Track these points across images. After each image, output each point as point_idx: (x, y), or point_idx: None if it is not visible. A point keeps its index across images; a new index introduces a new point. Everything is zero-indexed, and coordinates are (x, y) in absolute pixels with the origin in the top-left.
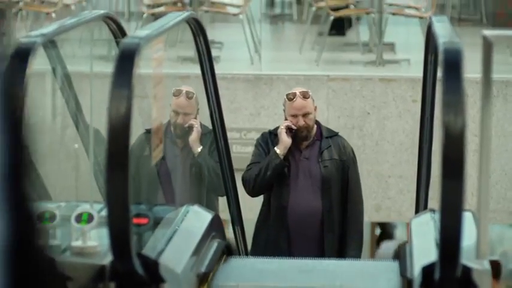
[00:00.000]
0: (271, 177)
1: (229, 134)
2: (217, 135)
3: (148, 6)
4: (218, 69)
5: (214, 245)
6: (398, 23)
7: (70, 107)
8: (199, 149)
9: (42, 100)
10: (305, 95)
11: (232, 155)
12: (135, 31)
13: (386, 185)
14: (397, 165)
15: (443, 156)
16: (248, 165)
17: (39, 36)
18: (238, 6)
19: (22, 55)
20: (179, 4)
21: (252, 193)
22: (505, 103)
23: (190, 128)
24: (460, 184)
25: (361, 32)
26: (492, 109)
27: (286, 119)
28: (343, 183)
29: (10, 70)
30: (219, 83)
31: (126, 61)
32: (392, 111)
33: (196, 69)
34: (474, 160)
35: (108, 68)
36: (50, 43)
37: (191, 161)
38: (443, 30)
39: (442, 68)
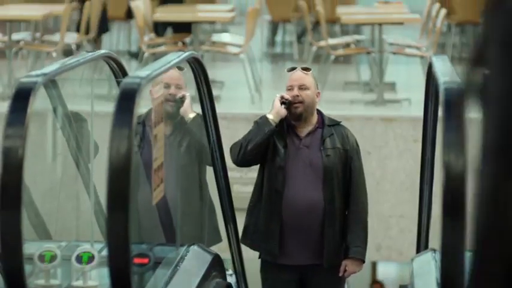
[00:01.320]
0: (259, 144)
1: (230, 173)
2: (218, 174)
3: (149, 45)
4: (219, 109)
5: (215, 284)
6: (399, 62)
7: (71, 146)
8: (191, 115)
9: (43, 139)
10: (306, 70)
11: (232, 194)
12: (135, 71)
13: (387, 225)
14: (398, 204)
15: (443, 196)
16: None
17: (40, 76)
18: (239, 46)
19: (23, 95)
20: (179, 43)
21: (238, 160)
22: None
23: (182, 99)
24: (461, 224)
25: (362, 72)
26: None
27: None
28: (345, 175)
29: (11, 110)
30: (220, 122)
31: (126, 101)
32: (393, 150)
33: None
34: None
35: (109, 107)
36: (51, 83)
37: (181, 143)
38: (443, 69)
39: (443, 108)
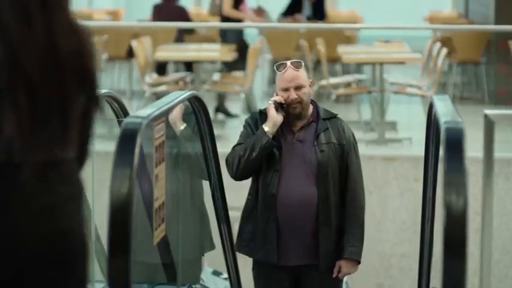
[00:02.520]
0: (257, 159)
1: (230, 213)
2: (219, 214)
3: (150, 85)
4: (220, 148)
5: None
6: (400, 102)
7: None
8: (182, 127)
9: None
10: (297, 66)
11: (234, 233)
12: (137, 110)
13: (389, 264)
14: (399, 244)
15: (444, 235)
16: (233, 147)
17: None
18: (240, 85)
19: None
20: (181, 83)
21: (236, 176)
22: (507, 182)
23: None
24: (461, 263)
25: (363, 111)
26: (494, 188)
27: (277, 95)
28: (341, 171)
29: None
30: (221, 161)
31: (128, 140)
32: (394, 190)
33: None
34: (476, 239)
35: (110, 146)
36: None
37: (171, 155)
38: (444, 109)
39: (444, 147)
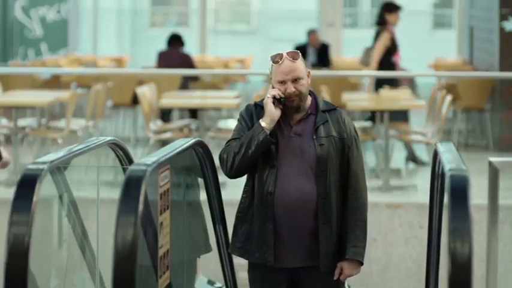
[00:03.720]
0: (253, 156)
1: (235, 260)
2: (223, 262)
3: (155, 132)
4: (225, 195)
5: None
6: (404, 149)
7: (76, 233)
8: None
9: (48, 227)
10: (294, 57)
11: (238, 281)
12: (141, 157)
13: None
14: None
15: (449, 283)
16: (227, 142)
17: (46, 163)
18: None
19: (29, 182)
20: (185, 130)
21: (230, 173)
22: (511, 229)
23: None
24: None
25: (368, 158)
26: (499, 235)
27: (273, 88)
28: (342, 166)
29: (17, 197)
30: (226, 208)
31: (132, 188)
32: (399, 237)
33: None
34: (481, 286)
35: (115, 193)
36: (57, 169)
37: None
38: (449, 156)
39: (449, 195)
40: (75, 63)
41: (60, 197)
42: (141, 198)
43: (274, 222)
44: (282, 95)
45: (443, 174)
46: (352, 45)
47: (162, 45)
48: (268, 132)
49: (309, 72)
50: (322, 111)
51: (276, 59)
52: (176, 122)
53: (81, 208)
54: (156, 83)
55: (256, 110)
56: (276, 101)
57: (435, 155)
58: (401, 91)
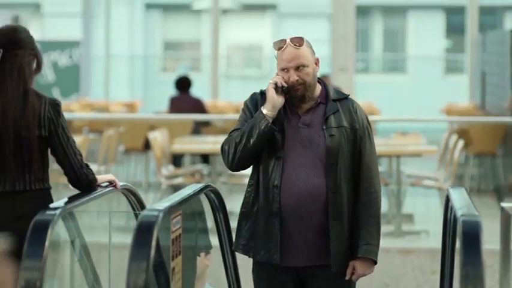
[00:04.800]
0: (256, 145)
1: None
2: (227, 264)
3: (167, 177)
4: None
5: None
6: (417, 194)
7: (88, 278)
8: None
9: (60, 271)
10: (298, 43)
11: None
12: (153, 202)
13: None
14: None
15: None
16: (229, 133)
17: (58, 209)
18: None
19: (41, 228)
20: (197, 175)
21: (232, 166)
22: None
23: None
24: None
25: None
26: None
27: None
28: (354, 158)
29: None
30: (238, 255)
31: (144, 234)
32: (411, 282)
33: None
34: None
35: (127, 239)
36: (69, 215)
37: None
38: (461, 201)
39: (461, 241)
40: (87, 108)
41: (72, 242)
42: (153, 243)
43: (280, 218)
44: (284, 84)
45: (455, 220)
46: (364, 90)
47: (173, 90)
48: (270, 120)
49: (317, 59)
50: (332, 100)
51: (279, 44)
52: (188, 167)
53: (93, 253)
54: (168, 128)
55: (262, 98)
56: (279, 88)
57: (447, 200)
58: (412, 137)
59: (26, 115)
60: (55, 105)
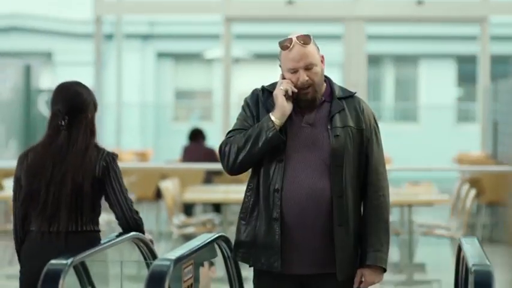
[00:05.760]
0: (260, 153)
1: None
2: (231, 275)
3: (178, 226)
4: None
5: None
6: (428, 243)
7: None
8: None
9: None
10: (305, 41)
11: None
12: (165, 252)
13: None
14: None
15: None
16: (228, 134)
17: (69, 259)
18: None
19: (53, 279)
20: (208, 224)
21: (231, 169)
22: None
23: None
24: None
25: (392, 252)
26: None
27: (284, 78)
28: (360, 160)
29: None
30: None
31: (156, 283)
32: None
33: None
34: None
35: None
36: (80, 264)
37: None
38: (473, 251)
39: None
40: None
41: None
42: None
43: (281, 224)
44: (295, 90)
45: (467, 270)
46: None
47: (185, 139)
48: (278, 128)
49: (322, 57)
50: (338, 98)
51: (285, 43)
52: (199, 217)
53: None
54: (180, 177)
55: (263, 95)
56: (288, 94)
57: (459, 249)
58: (424, 186)
59: (83, 167)
60: (111, 156)
